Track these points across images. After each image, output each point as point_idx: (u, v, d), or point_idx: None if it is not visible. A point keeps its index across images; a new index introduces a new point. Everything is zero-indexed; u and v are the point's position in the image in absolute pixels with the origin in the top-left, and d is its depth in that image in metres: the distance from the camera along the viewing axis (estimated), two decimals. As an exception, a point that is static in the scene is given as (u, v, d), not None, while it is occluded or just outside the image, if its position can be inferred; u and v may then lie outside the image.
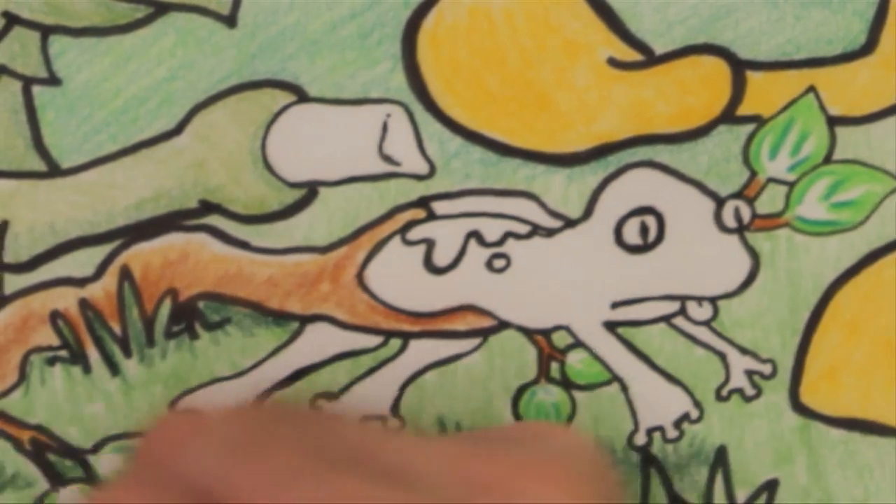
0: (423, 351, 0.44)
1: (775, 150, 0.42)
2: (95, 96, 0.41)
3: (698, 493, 0.45)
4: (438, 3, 0.40)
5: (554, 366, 0.44)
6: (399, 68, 0.41)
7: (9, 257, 0.43)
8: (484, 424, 0.45)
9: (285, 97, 0.41)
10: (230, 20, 0.40)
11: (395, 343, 0.44)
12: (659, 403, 0.45)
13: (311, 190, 0.42)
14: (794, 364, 0.44)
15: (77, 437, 0.45)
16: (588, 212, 0.42)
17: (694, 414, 0.45)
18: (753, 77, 0.41)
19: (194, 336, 0.44)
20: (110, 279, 0.43)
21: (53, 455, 0.45)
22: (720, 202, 0.42)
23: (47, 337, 0.44)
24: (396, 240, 0.43)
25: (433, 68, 0.41)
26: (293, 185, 0.42)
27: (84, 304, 0.43)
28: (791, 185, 0.42)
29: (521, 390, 0.45)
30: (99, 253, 0.43)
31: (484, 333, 0.44)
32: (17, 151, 0.41)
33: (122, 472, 0.36)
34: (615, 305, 0.44)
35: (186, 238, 0.43)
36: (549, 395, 0.45)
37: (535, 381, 0.45)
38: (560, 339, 0.44)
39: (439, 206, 0.42)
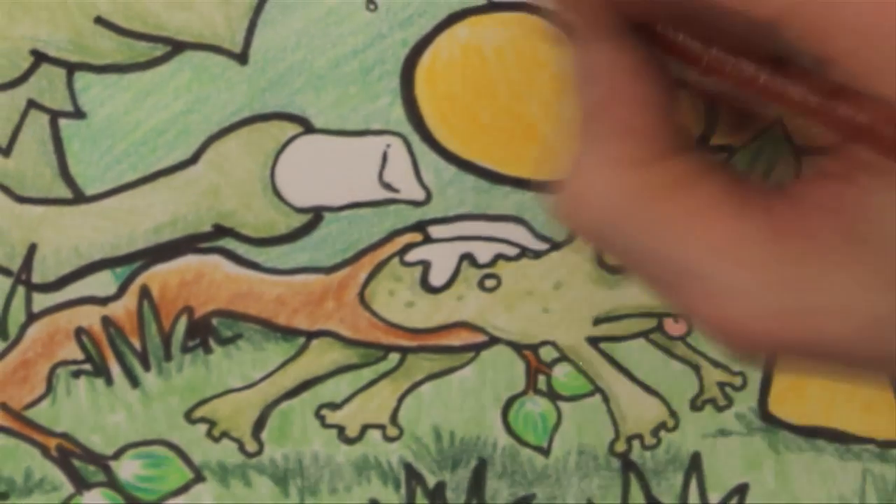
0: (419, 364, 0.44)
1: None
2: (117, 129, 0.41)
3: (674, 496, 0.45)
4: (434, 42, 0.39)
5: (541, 378, 0.44)
6: (398, 102, 0.40)
7: (37, 278, 0.42)
8: (476, 432, 0.44)
9: (293, 129, 0.41)
10: (242, 58, 0.40)
11: (394, 357, 0.44)
12: (638, 413, 0.44)
13: (316, 215, 0.42)
14: (763, 376, 0.44)
15: (100, 444, 0.44)
16: (572, 235, 0.42)
17: (670, 423, 0.44)
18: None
19: (208, 350, 0.43)
20: (131, 298, 0.43)
21: (78, 461, 0.45)
22: (694, 226, 0.42)
23: (72, 351, 0.43)
24: (395, 261, 0.42)
25: (430, 102, 0.40)
26: (300, 211, 0.41)
27: (106, 322, 0.43)
28: (760, 210, 0.42)
29: (511, 401, 0.44)
30: (120, 274, 0.42)
31: (476, 348, 0.44)
32: (45, 180, 0.41)
33: None
34: (597, 322, 0.43)
35: (201, 260, 0.42)
36: (537, 405, 0.44)
37: (523, 393, 0.44)
38: (546, 353, 0.44)
39: (435, 230, 0.42)
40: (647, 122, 0.33)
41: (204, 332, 0.43)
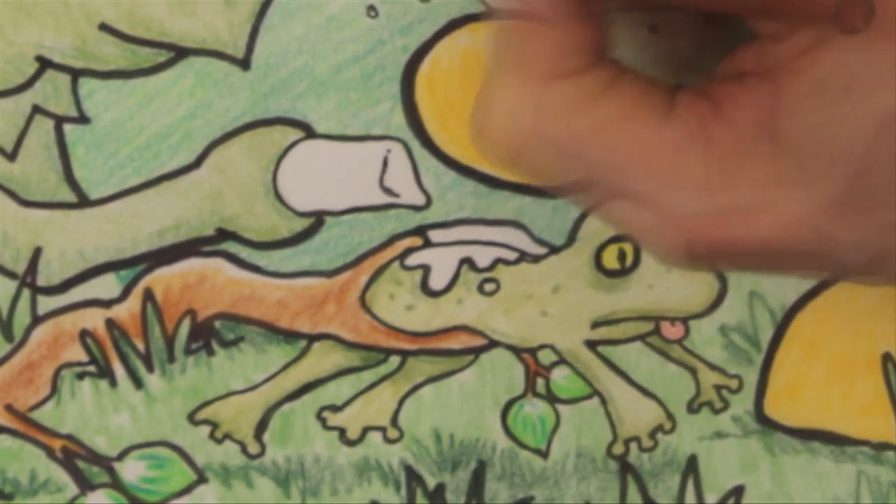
0: (420, 367, 0.44)
1: (741, 183, 0.41)
2: (121, 133, 0.40)
3: (671, 498, 0.45)
4: (434, 48, 0.39)
5: (540, 381, 0.44)
6: (398, 108, 0.40)
7: (42, 281, 0.42)
8: (475, 435, 0.44)
9: (294, 134, 0.40)
10: (244, 63, 0.40)
11: (395, 360, 0.44)
12: (635, 415, 0.44)
13: (317, 219, 0.42)
14: (759, 379, 0.44)
15: (104, 445, 0.44)
16: (571, 239, 0.42)
17: (667, 425, 0.44)
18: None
19: (211, 353, 0.43)
20: (134, 301, 0.43)
21: (82, 462, 0.45)
22: (691, 230, 0.42)
23: (77, 353, 0.43)
24: (395, 265, 0.42)
25: (430, 108, 0.40)
26: (301, 215, 0.41)
27: (110, 324, 0.43)
28: (756, 214, 0.42)
29: (510, 404, 0.44)
30: (124, 277, 0.42)
31: (476, 351, 0.44)
32: (50, 184, 0.41)
33: None
34: (595, 325, 0.43)
35: (204, 263, 0.42)
36: (535, 408, 0.44)
37: (522, 396, 0.44)
38: (545, 356, 0.44)
39: (435, 235, 0.42)
40: (561, 35, 0.32)
41: (207, 335, 0.43)
